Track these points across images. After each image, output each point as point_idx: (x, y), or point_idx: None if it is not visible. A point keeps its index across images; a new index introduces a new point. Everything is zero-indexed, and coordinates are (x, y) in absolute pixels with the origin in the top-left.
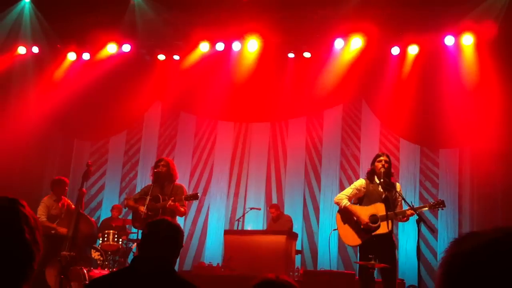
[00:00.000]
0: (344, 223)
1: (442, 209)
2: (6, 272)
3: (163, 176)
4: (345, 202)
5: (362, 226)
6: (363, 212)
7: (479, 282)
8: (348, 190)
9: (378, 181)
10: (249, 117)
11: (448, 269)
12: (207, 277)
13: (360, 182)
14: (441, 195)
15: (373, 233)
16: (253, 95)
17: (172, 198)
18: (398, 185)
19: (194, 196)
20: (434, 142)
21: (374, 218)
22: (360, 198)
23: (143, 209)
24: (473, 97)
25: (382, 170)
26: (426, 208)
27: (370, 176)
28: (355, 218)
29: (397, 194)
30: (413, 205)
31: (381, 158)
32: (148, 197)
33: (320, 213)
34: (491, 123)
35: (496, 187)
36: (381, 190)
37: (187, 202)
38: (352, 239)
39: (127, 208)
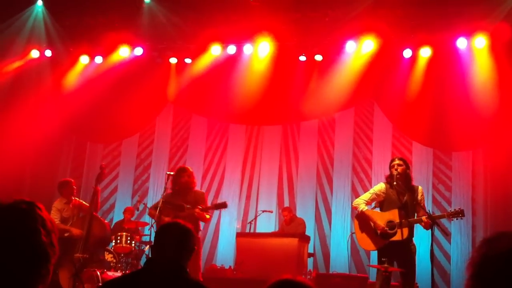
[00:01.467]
0: (362, 228)
1: (462, 219)
2: (22, 272)
3: (185, 185)
4: (363, 207)
5: (379, 232)
6: (381, 218)
7: None
8: (367, 195)
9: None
10: (260, 119)
11: (480, 270)
12: (219, 279)
13: (380, 187)
14: (454, 198)
15: (390, 239)
16: (265, 98)
17: (200, 207)
18: (420, 188)
19: (223, 205)
20: (447, 144)
21: (391, 225)
22: (381, 203)
23: (167, 219)
24: (486, 99)
25: (395, 173)
26: (445, 217)
27: (389, 181)
28: (371, 224)
29: (419, 197)
30: (429, 213)
31: (394, 162)
32: (161, 200)
33: (332, 216)
34: (504, 126)
35: (510, 189)
36: (400, 198)
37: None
38: (368, 244)
39: (139, 211)
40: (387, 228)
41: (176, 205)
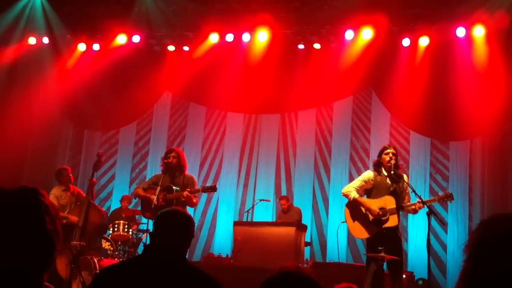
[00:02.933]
0: (353, 216)
1: (451, 202)
2: (29, 260)
3: (174, 167)
4: (354, 194)
5: (372, 218)
6: (372, 205)
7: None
8: (356, 182)
9: (385, 174)
10: (258, 108)
11: (478, 251)
12: (217, 268)
13: (368, 174)
14: (451, 188)
15: (382, 226)
16: (263, 87)
17: (188, 189)
18: (405, 176)
19: (213, 188)
20: (444, 134)
21: (383, 211)
22: (368, 190)
23: (154, 198)
24: (484, 89)
25: (393, 162)
26: (435, 201)
27: (377, 168)
28: (364, 210)
29: (406, 185)
30: (421, 198)
31: (389, 150)
32: (159, 188)
33: (329, 205)
34: (502, 115)
35: (507, 179)
36: (389, 182)
37: (199, 193)
38: (361, 232)
39: (136, 198)
40: (381, 214)
41: (164, 186)
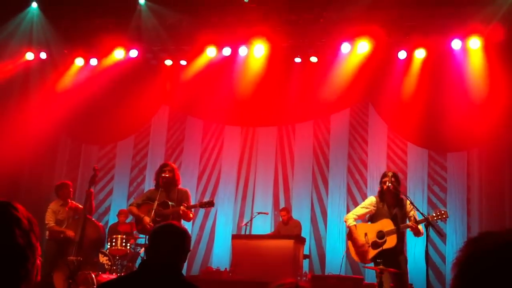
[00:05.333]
0: (353, 243)
1: (444, 222)
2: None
3: (169, 182)
4: (349, 222)
5: (371, 241)
6: (371, 229)
7: (501, 281)
8: (358, 210)
9: (387, 200)
10: (256, 121)
11: (465, 269)
12: (215, 282)
13: (370, 200)
14: (449, 199)
15: (381, 248)
16: (260, 100)
17: (185, 204)
18: (406, 200)
19: (210, 203)
20: (441, 146)
21: (380, 234)
22: (372, 216)
23: (148, 220)
24: (481, 100)
25: (389, 185)
26: (427, 220)
27: (380, 195)
28: (358, 238)
29: (408, 209)
30: (415, 218)
31: (385, 178)
32: (156, 202)
33: (328, 217)
34: (499, 126)
35: (505, 190)
36: (390, 208)
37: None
38: (363, 257)
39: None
40: (377, 238)
41: (160, 202)
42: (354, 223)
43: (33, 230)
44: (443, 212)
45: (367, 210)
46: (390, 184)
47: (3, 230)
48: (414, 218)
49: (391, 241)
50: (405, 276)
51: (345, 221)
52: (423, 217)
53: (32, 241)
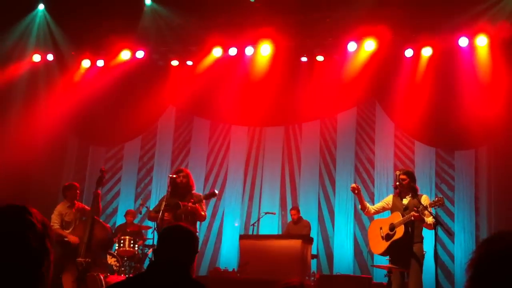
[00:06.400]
0: (371, 236)
1: (441, 206)
2: (13, 279)
3: (183, 187)
4: (369, 209)
5: (384, 233)
6: (385, 223)
7: None
8: (377, 204)
9: (402, 197)
10: (263, 121)
11: (480, 270)
12: (223, 282)
13: (388, 198)
14: (457, 198)
15: (391, 240)
16: (267, 99)
17: (192, 200)
18: (424, 197)
19: (213, 194)
20: (449, 144)
21: (391, 226)
22: (389, 211)
23: (168, 216)
24: (488, 98)
25: (399, 185)
26: (427, 209)
27: (397, 194)
28: (378, 228)
29: (421, 206)
30: (416, 208)
31: (395, 175)
32: (164, 203)
33: (335, 216)
34: (507, 124)
35: None
36: (403, 204)
37: (205, 206)
38: (377, 248)
39: (141, 214)
40: (389, 230)
41: (172, 204)
42: (371, 208)
43: (47, 234)
44: (439, 198)
45: (385, 205)
46: (399, 184)
47: (18, 235)
48: (416, 209)
49: (400, 231)
50: (418, 274)
51: (366, 212)
52: (416, 209)
53: (46, 245)
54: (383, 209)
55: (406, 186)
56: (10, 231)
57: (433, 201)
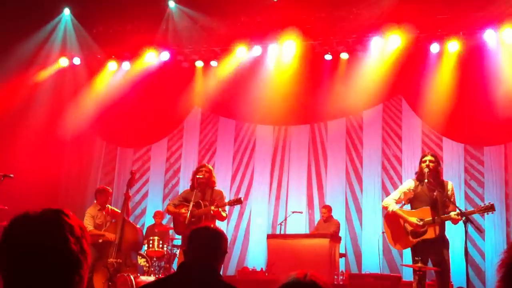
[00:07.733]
0: (391, 228)
1: (492, 213)
2: (54, 282)
3: (205, 182)
4: (393, 207)
5: (410, 229)
6: (411, 217)
7: None
8: (396, 194)
9: (426, 182)
10: (288, 120)
11: (510, 269)
12: (252, 282)
13: (408, 185)
14: (487, 194)
15: (421, 238)
16: (292, 98)
17: (215, 203)
18: (450, 184)
19: (238, 201)
20: (478, 139)
21: (423, 223)
22: (411, 200)
23: (185, 213)
24: None
25: (426, 170)
26: (475, 213)
27: (418, 177)
28: (402, 222)
29: (450, 193)
30: (460, 210)
31: (425, 158)
32: (192, 203)
33: (363, 215)
34: None
35: None
36: (430, 191)
37: (229, 207)
38: (399, 243)
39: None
40: (420, 224)
41: (194, 202)
42: (397, 207)
43: (85, 236)
44: (489, 205)
45: (405, 194)
46: (427, 169)
47: (58, 237)
48: (459, 209)
49: (431, 232)
50: (447, 274)
51: (386, 207)
52: (456, 211)
53: (84, 248)
54: (408, 200)
55: (433, 169)
56: (51, 234)
57: (483, 207)
